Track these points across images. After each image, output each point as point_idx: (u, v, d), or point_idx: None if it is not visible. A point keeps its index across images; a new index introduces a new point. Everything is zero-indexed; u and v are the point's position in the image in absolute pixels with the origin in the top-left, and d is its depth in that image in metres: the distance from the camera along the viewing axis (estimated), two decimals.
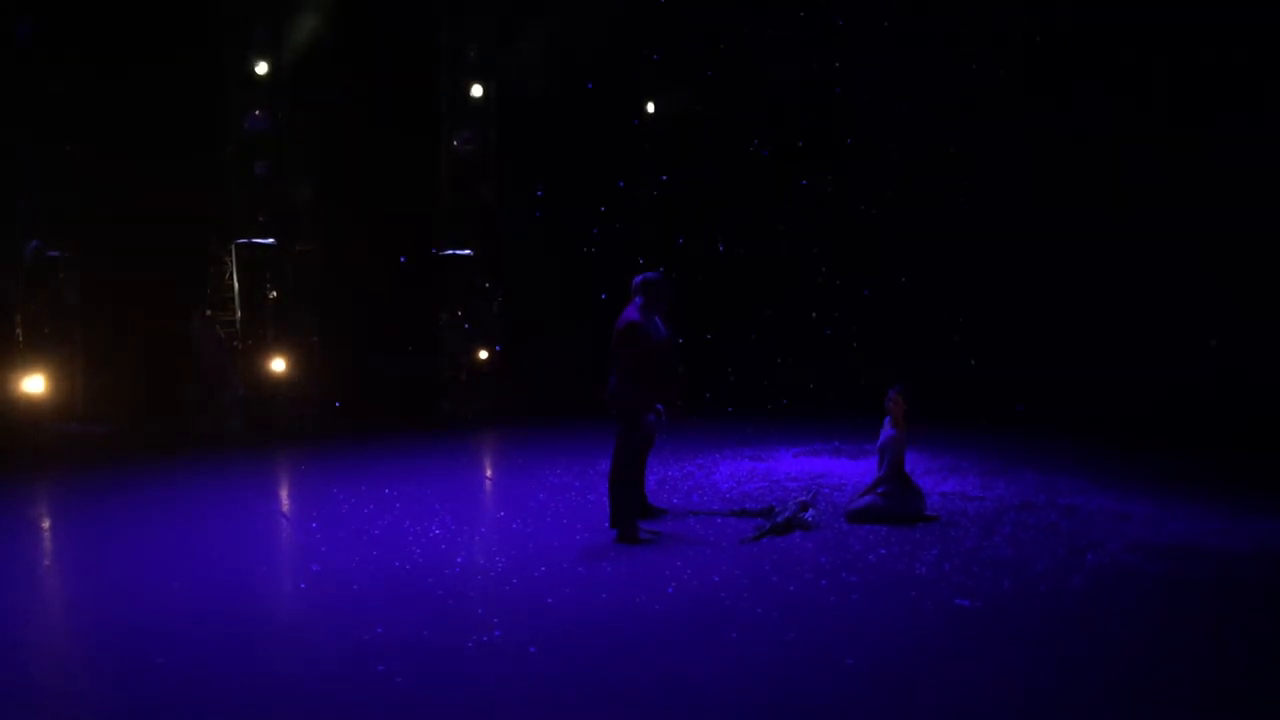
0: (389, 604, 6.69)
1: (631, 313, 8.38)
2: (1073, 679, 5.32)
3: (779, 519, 8.64)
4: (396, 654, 5.72)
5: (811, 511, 8.87)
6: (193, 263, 14.79)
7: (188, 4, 14.35)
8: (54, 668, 5.78)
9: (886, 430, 8.99)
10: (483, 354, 16.30)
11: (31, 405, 13.11)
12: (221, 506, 9.93)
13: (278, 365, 14.83)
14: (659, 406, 8.56)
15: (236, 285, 14.76)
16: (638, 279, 8.56)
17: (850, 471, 11.14)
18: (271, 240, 14.90)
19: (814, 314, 17.35)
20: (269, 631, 6.30)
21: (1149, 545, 7.99)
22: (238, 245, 14.77)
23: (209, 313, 14.76)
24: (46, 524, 9.62)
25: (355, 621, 6.33)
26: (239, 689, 5.30)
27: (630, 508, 8.43)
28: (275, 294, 14.99)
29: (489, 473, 12.32)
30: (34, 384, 13.09)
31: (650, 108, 17.87)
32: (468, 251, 16.32)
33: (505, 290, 16.69)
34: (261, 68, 14.61)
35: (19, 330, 13.24)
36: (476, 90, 16.12)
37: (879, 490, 8.88)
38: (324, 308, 15.49)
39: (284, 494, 11.10)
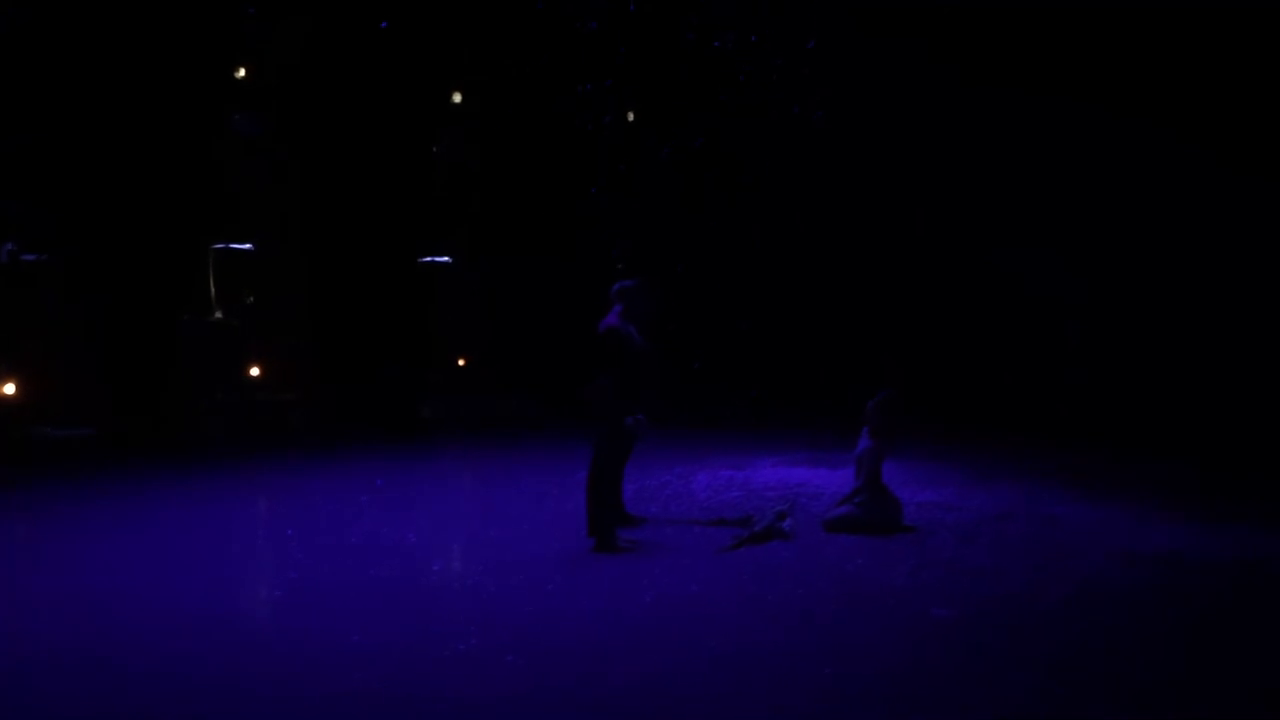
0: (365, 612, 6.64)
1: (612, 319, 8.39)
2: (1052, 688, 5.32)
3: (757, 528, 8.63)
4: (372, 663, 5.68)
5: (789, 521, 8.86)
6: (174, 266, 14.69)
7: (173, 5, 14.26)
8: (17, 678, 5.70)
9: (864, 440, 9.00)
10: (461, 361, 16.28)
11: (6, 409, 12.99)
12: (199, 511, 9.85)
13: (256, 369, 14.76)
14: (639, 415, 8.54)
15: (213, 289, 14.68)
16: (616, 286, 8.58)
17: (828, 481, 11.11)
18: (249, 245, 14.83)
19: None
20: (244, 639, 6.24)
21: (1129, 554, 8.01)
22: (215, 249, 14.70)
23: (187, 317, 14.67)
24: (22, 529, 9.51)
25: (331, 629, 6.28)
26: (212, 696, 5.25)
27: (609, 516, 8.40)
28: (254, 298, 14.92)
29: (467, 479, 12.27)
30: (6, 387, 12.97)
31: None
32: (447, 259, 16.30)
33: (485, 296, 16.67)
34: (245, 71, 14.56)
35: None
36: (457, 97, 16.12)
37: (856, 500, 8.87)
38: (304, 312, 15.42)
39: (262, 499, 11.01)
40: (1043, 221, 15.74)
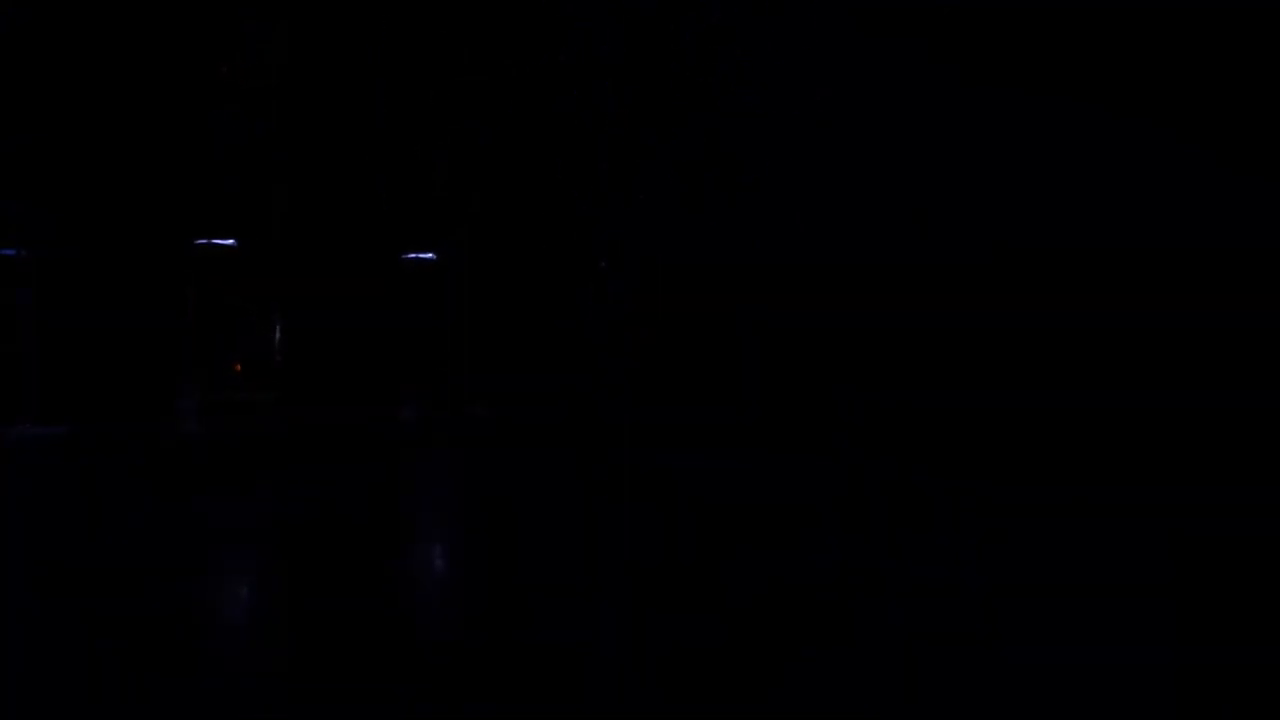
0: (335, 615, 6.55)
1: (595, 316, 8.37)
2: None
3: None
4: (334, 665, 5.59)
5: None
6: (156, 263, 14.65)
7: (163, 7, 14.20)
8: None
9: (840, 440, 8.96)
10: (441, 361, 16.25)
11: None
12: (159, 518, 9.77)
13: (236, 368, 14.75)
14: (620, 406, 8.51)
15: (194, 286, 14.66)
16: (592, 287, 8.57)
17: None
18: (232, 241, 14.78)
19: None
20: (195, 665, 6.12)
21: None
22: (197, 245, 14.65)
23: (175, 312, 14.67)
24: None
25: (286, 654, 6.17)
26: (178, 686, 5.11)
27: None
28: (234, 296, 14.91)
29: (444, 481, 12.22)
30: None
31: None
32: (430, 255, 16.24)
33: (471, 295, 16.63)
34: (236, 71, 14.53)
35: None
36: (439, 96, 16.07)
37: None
38: (285, 311, 15.39)
39: (233, 505, 10.93)
40: (1042, 221, 15.70)
